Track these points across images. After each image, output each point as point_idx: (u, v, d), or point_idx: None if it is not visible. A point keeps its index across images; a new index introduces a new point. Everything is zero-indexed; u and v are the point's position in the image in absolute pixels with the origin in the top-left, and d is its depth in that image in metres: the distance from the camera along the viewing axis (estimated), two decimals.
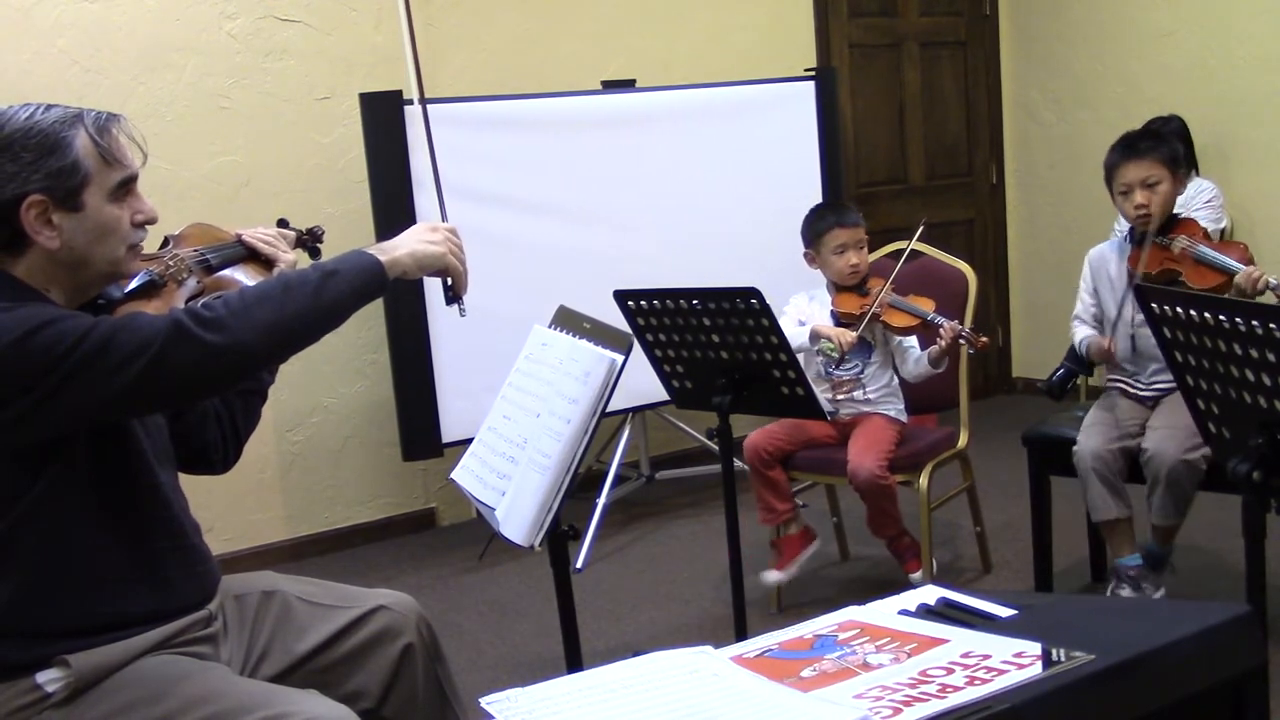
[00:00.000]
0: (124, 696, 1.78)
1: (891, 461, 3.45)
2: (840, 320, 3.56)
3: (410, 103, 4.17)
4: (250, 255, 2.19)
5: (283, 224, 2.35)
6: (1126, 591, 3.25)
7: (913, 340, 3.55)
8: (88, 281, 1.87)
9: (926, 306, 3.46)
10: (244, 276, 2.16)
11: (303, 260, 2.33)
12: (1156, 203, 3.22)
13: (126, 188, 1.85)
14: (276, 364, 2.05)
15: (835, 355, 3.51)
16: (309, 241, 2.46)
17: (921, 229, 3.64)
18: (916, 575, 3.52)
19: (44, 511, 1.78)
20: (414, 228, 2.01)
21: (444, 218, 2.04)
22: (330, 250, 2.44)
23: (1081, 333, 3.44)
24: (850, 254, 3.58)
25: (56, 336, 1.67)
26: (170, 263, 2.04)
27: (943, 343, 3.36)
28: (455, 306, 2.10)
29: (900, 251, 3.69)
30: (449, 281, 2.03)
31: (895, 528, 3.52)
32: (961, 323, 3.65)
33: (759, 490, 3.62)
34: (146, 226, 1.90)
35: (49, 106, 1.81)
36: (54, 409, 1.69)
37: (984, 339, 3.33)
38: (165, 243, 2.14)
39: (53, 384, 1.67)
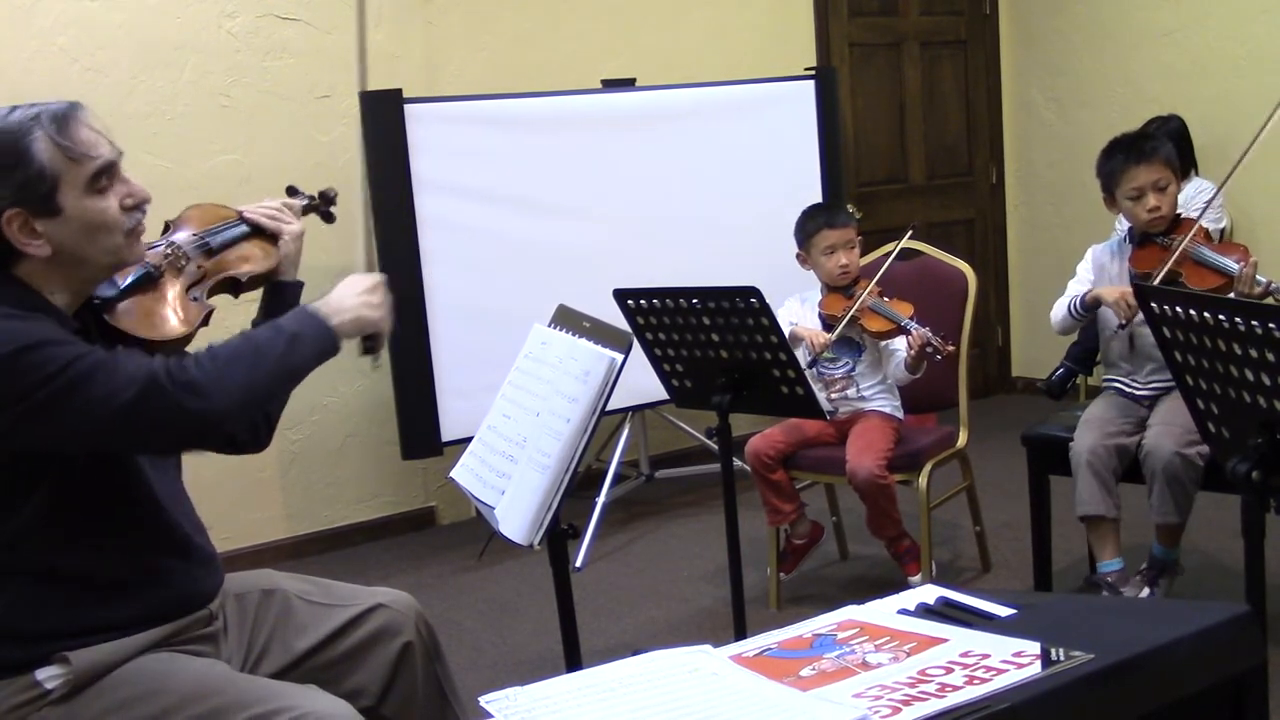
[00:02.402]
0: (122, 693, 1.78)
1: (890, 460, 3.45)
2: (826, 321, 3.58)
3: (411, 102, 4.17)
4: (255, 231, 2.17)
5: (292, 191, 2.31)
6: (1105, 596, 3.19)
7: (900, 343, 3.55)
8: (91, 276, 1.85)
9: (904, 311, 3.46)
10: (248, 254, 2.14)
11: (312, 228, 2.31)
12: (1168, 204, 3.22)
13: (107, 176, 1.80)
14: (243, 425, 2.03)
15: (810, 355, 3.54)
16: (321, 206, 2.39)
17: (910, 232, 3.64)
18: (916, 579, 3.52)
19: (43, 519, 1.77)
20: (354, 284, 2.00)
21: (371, 222, 1.99)
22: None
23: (1069, 296, 3.37)
24: (840, 255, 3.59)
25: (43, 360, 1.66)
26: (167, 252, 2.04)
27: (911, 350, 3.37)
28: (369, 358, 2.08)
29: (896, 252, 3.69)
30: (369, 334, 2.02)
31: (895, 529, 3.53)
32: (962, 324, 3.67)
33: (764, 493, 3.63)
34: (143, 208, 1.87)
35: (10, 110, 1.76)
36: (28, 431, 1.69)
37: (950, 347, 3.32)
38: (166, 228, 2.13)
39: (27, 408, 1.66)
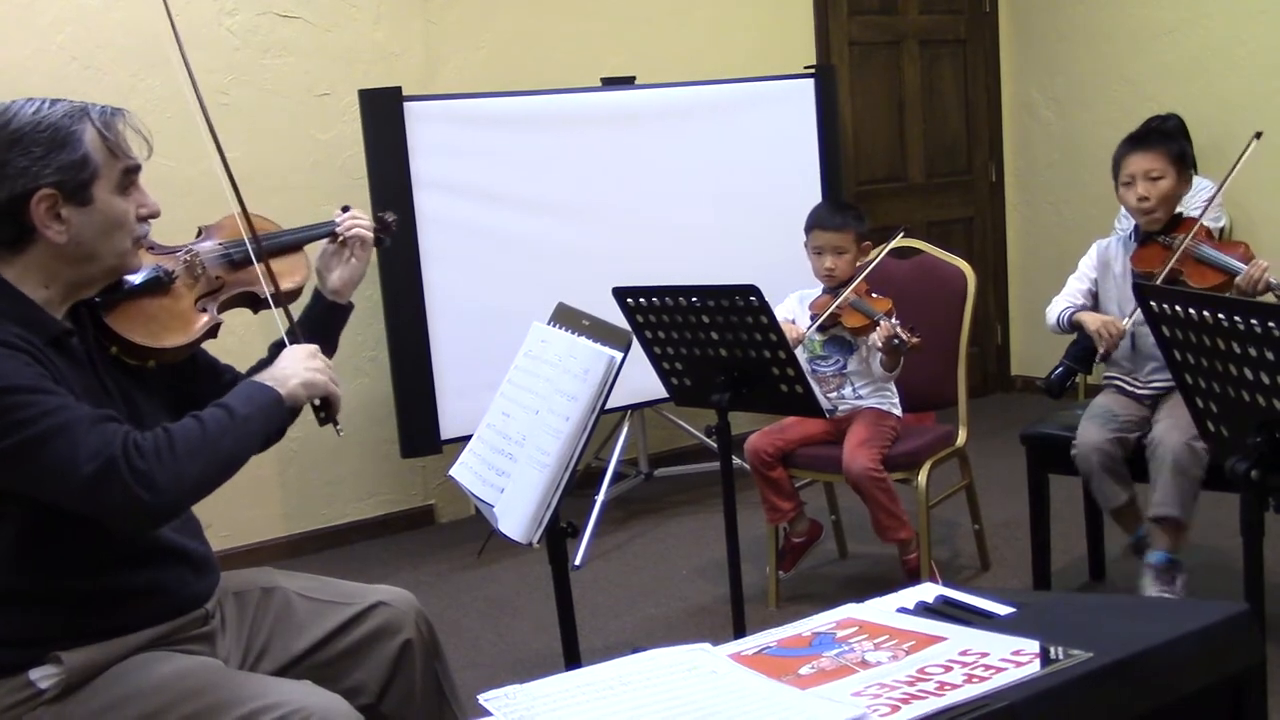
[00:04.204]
0: (116, 692, 1.78)
1: (887, 455, 3.45)
2: (814, 319, 3.58)
3: (411, 100, 4.17)
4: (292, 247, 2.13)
5: (346, 211, 2.24)
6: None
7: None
8: (91, 277, 1.86)
9: (881, 307, 3.46)
10: (278, 270, 2.07)
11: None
12: (1156, 195, 3.22)
13: (131, 179, 1.85)
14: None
15: None
16: (379, 234, 2.29)
17: (901, 233, 3.64)
18: None
19: (21, 545, 1.77)
20: (293, 353, 1.98)
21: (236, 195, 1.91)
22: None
23: (1062, 305, 3.41)
24: (827, 257, 3.59)
25: (12, 407, 1.65)
26: (185, 259, 2.01)
27: (879, 343, 3.36)
28: (331, 426, 2.01)
29: (895, 250, 3.69)
30: (318, 403, 1.98)
31: (904, 529, 3.48)
32: (961, 322, 3.67)
33: (763, 491, 3.63)
34: (150, 221, 1.89)
35: (54, 101, 1.81)
36: None
37: (916, 339, 3.29)
38: (199, 233, 2.11)
39: None
